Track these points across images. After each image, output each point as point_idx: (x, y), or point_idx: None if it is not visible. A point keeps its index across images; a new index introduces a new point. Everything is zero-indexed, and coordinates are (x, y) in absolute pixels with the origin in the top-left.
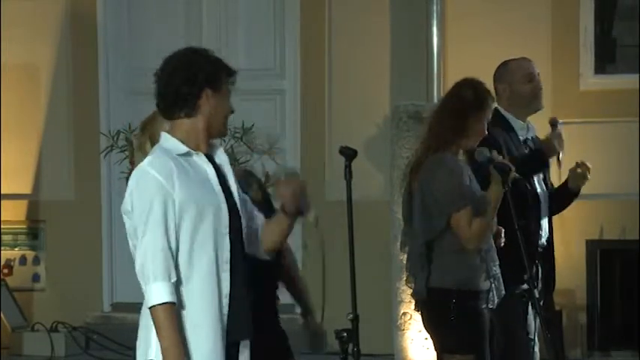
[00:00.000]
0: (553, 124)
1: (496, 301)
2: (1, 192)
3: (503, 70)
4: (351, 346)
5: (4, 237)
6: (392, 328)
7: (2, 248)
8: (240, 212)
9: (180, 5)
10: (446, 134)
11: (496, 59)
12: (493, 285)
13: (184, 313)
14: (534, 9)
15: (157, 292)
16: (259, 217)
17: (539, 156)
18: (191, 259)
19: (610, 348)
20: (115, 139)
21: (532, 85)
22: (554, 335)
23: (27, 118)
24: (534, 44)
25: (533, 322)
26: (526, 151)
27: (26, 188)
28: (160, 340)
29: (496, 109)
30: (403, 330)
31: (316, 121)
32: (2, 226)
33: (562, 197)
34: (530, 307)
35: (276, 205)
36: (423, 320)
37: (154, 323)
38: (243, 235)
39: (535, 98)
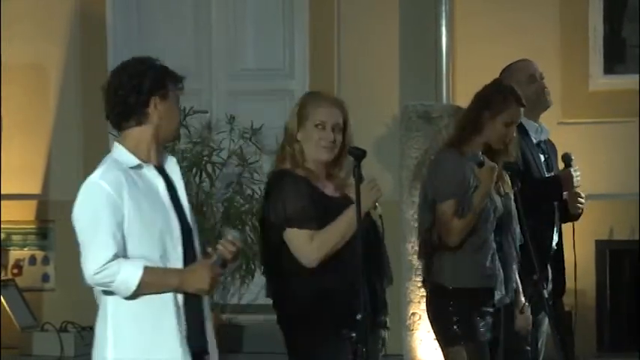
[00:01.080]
0: (566, 160)
1: (497, 299)
2: (11, 192)
3: (507, 74)
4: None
5: (14, 237)
6: (401, 329)
7: (12, 248)
8: (190, 224)
9: (189, 6)
10: (458, 132)
11: (505, 59)
12: (492, 284)
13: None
14: (543, 9)
15: (130, 272)
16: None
17: (557, 189)
18: None
19: (620, 348)
20: None
21: (535, 86)
22: (564, 336)
23: (36, 118)
24: (543, 44)
25: (542, 322)
26: (541, 156)
27: (35, 188)
28: (170, 289)
29: None
30: (412, 330)
31: None
32: (12, 227)
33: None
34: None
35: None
36: (426, 311)
37: (152, 290)
38: (196, 245)
39: (540, 98)
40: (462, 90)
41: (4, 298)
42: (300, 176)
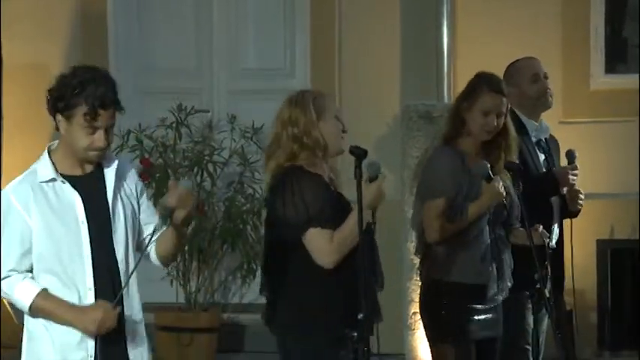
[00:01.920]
0: (569, 157)
1: (490, 296)
2: None
3: (512, 71)
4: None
5: None
6: (402, 328)
7: None
8: (116, 235)
9: (190, 5)
10: (447, 127)
11: (506, 58)
12: (486, 281)
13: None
14: (545, 8)
15: (24, 293)
16: (150, 226)
17: (552, 184)
18: (50, 285)
19: (621, 347)
20: (126, 138)
21: (538, 85)
22: (565, 335)
23: (37, 117)
24: (544, 43)
25: (543, 321)
26: (540, 155)
27: None
28: (61, 322)
29: (511, 109)
30: (414, 330)
31: None
32: None
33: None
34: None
35: None
36: (419, 307)
37: (46, 317)
38: (118, 254)
39: (541, 98)
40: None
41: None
42: (315, 173)
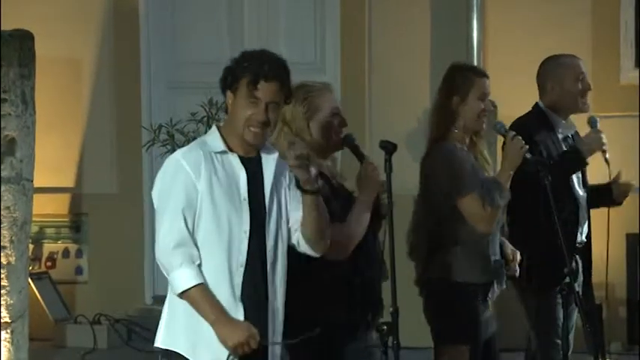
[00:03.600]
0: (592, 123)
1: (496, 293)
2: (45, 186)
3: (554, 66)
4: (390, 339)
5: (47, 230)
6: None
7: (46, 241)
8: (267, 223)
9: (222, 1)
10: (439, 122)
11: (536, 52)
12: (494, 279)
13: None
14: (575, 2)
15: (184, 277)
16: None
17: (576, 156)
18: (206, 255)
19: None
20: (157, 133)
21: (582, 86)
22: (595, 329)
23: (70, 112)
24: (575, 37)
25: (572, 315)
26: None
27: (69, 182)
28: (205, 319)
29: (537, 105)
30: None
31: (356, 115)
32: (46, 220)
33: (603, 200)
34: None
35: None
36: (423, 308)
37: (192, 306)
38: (268, 241)
39: (583, 99)
40: (493, 84)
41: (38, 290)
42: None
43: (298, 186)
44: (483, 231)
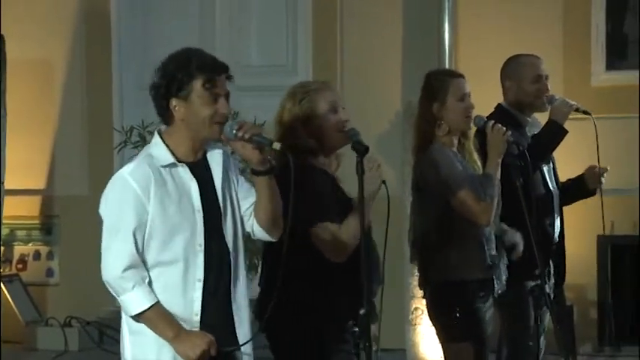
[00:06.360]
0: (551, 100)
1: (496, 290)
2: (15, 187)
3: (514, 66)
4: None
5: (18, 232)
6: (404, 324)
7: (16, 243)
8: (224, 227)
9: (193, 2)
10: (423, 127)
11: (508, 55)
12: (493, 274)
13: None
14: (546, 5)
15: (137, 299)
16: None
17: (554, 126)
18: (159, 275)
19: (621, 343)
20: (129, 134)
21: (539, 86)
22: (565, 330)
23: (41, 113)
24: (546, 40)
25: (545, 316)
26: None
27: (40, 184)
28: (163, 338)
29: (500, 105)
30: (415, 325)
31: None
32: (17, 222)
33: (576, 192)
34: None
35: None
36: (427, 309)
37: (148, 326)
38: (230, 248)
39: (539, 99)
40: None
41: (8, 292)
42: (322, 169)
43: (253, 170)
44: (483, 223)
